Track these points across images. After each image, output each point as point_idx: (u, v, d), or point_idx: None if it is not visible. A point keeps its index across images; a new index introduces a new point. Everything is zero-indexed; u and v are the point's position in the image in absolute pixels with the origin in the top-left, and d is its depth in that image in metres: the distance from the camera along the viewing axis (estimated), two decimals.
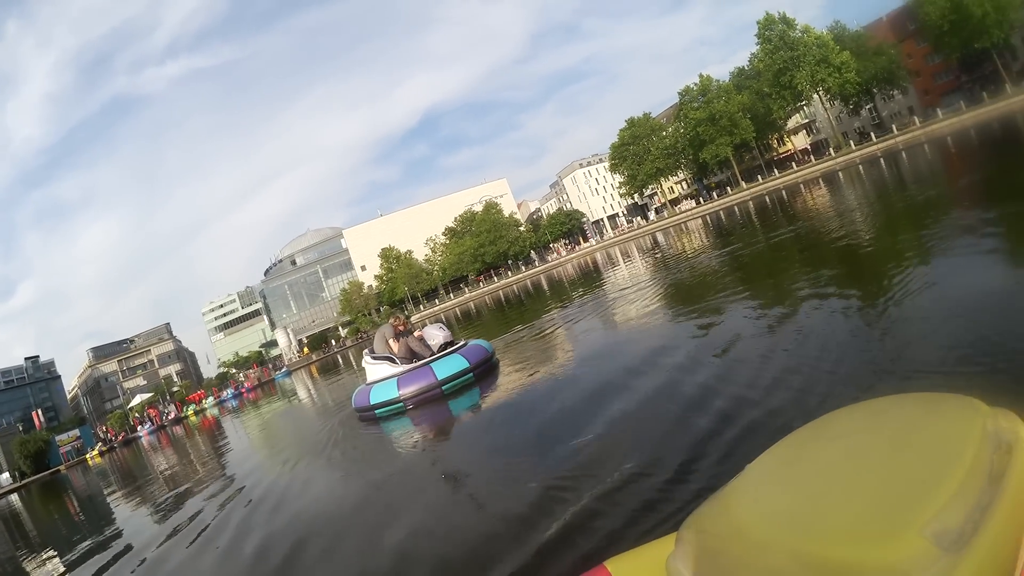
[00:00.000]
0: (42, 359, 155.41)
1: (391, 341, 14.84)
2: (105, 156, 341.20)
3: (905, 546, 1.07)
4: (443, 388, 13.13)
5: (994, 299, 6.64)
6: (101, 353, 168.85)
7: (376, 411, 13.51)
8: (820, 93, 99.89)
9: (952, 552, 1.06)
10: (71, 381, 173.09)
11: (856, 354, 6.54)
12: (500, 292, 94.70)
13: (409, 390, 13.15)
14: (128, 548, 10.30)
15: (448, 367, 13.40)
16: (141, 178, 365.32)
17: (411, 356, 14.47)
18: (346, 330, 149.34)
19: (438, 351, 14.30)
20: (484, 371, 13.91)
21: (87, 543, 12.51)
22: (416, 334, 15.04)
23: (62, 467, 73.53)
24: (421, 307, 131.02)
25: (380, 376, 14.15)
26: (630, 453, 5.96)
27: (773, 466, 1.60)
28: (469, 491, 6.97)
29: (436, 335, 14.85)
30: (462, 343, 14.70)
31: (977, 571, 1.04)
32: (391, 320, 15.40)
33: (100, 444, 78.25)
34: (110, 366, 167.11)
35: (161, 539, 9.86)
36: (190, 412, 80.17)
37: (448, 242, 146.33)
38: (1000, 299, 6.61)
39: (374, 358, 14.94)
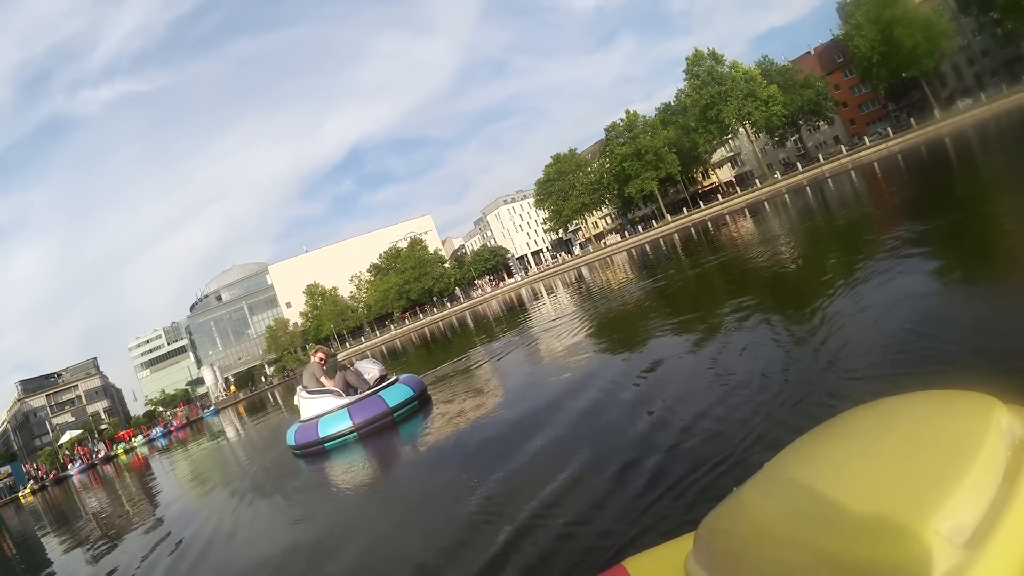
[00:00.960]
0: None
1: (324, 378, 14.32)
2: (35, 180, 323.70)
3: (921, 543, 1.07)
4: (395, 416, 13.10)
5: (917, 312, 7.08)
6: (30, 387, 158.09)
7: (326, 444, 12.96)
8: (746, 126, 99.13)
9: (968, 549, 1.06)
10: None
11: (779, 379, 6.64)
12: (426, 329, 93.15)
13: (362, 419, 12.93)
14: None
15: (396, 396, 13.44)
16: (71, 205, 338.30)
17: (348, 390, 14.09)
18: (272, 368, 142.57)
19: (374, 384, 14.13)
20: (423, 401, 14.02)
21: None
22: (351, 368, 14.75)
23: None
24: (347, 344, 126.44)
25: (324, 409, 13.59)
26: (556, 477, 6.09)
27: (790, 465, 1.58)
28: (423, 517, 6.87)
29: (371, 369, 14.69)
30: (395, 378, 14.50)
31: (994, 567, 1.04)
32: (313, 352, 14.99)
33: (32, 482, 70.02)
34: (39, 400, 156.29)
35: None
36: (120, 451, 75.90)
37: (373, 279, 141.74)
38: (920, 311, 7.10)
39: (311, 392, 14.31)
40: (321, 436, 12.96)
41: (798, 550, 1.21)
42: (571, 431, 7.59)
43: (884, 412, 1.62)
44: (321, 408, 13.63)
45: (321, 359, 14.54)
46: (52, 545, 17.91)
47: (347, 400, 13.47)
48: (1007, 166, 22.80)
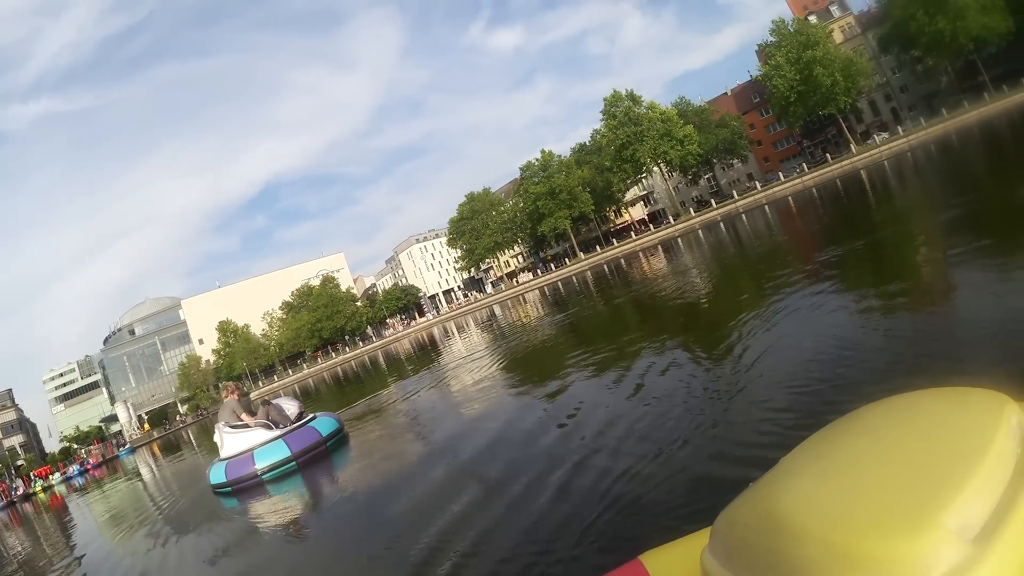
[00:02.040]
0: None
1: (244, 415, 13.67)
2: None
3: (930, 538, 1.08)
4: (327, 444, 12.88)
5: (826, 334, 7.45)
6: None
7: (264, 475, 12.18)
8: (661, 165, 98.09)
9: (977, 544, 1.07)
10: None
11: (681, 405, 6.92)
12: (338, 368, 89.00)
13: (300, 448, 12.46)
14: None
15: (327, 426, 13.31)
16: None
17: (270, 426, 13.61)
18: (186, 407, 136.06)
19: (294, 421, 13.80)
20: (344, 437, 13.80)
21: None
22: (273, 404, 14.20)
23: None
24: (260, 383, 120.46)
25: (257, 441, 12.95)
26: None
27: (805, 460, 1.59)
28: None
29: (291, 406, 14.29)
30: (312, 416, 14.11)
31: (1002, 564, 1.05)
32: (226, 390, 14.51)
33: None
34: None
35: None
36: (39, 488, 70.00)
37: (285, 317, 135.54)
38: (829, 334, 7.44)
39: (235, 427, 13.63)
40: (258, 468, 12.27)
41: (812, 544, 1.22)
42: (483, 460, 7.90)
43: (897, 409, 1.62)
44: (252, 441, 13.07)
45: (236, 397, 13.99)
46: None
47: (281, 431, 13.00)
48: (917, 193, 25.37)
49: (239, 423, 13.50)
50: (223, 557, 8.56)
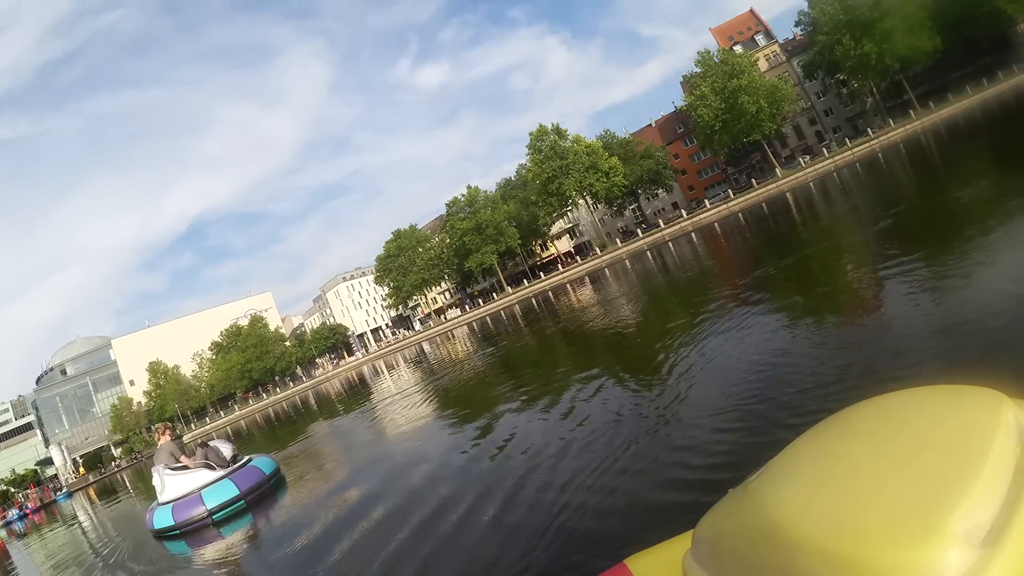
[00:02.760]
0: None
1: (183, 457, 13.21)
2: None
3: (939, 545, 1.04)
4: (271, 482, 12.69)
5: (754, 351, 7.78)
6: None
7: (215, 515, 11.75)
8: (587, 198, 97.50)
9: (986, 548, 1.04)
10: None
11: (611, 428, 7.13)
12: (270, 409, 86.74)
13: (248, 486, 12.15)
14: None
15: (267, 466, 13.12)
16: None
17: (212, 466, 13.22)
18: (120, 450, 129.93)
19: (231, 462, 13.36)
20: (280, 477, 13.52)
21: None
22: (211, 445, 13.80)
23: None
24: (192, 425, 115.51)
25: (202, 482, 12.45)
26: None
27: (796, 463, 1.55)
28: None
29: (225, 448, 13.72)
30: (248, 458, 13.68)
31: (1011, 565, 1.02)
32: (160, 432, 14.01)
33: None
34: None
35: None
36: None
37: (215, 357, 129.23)
38: (758, 350, 7.79)
39: (175, 469, 13.06)
40: (208, 507, 11.77)
41: (810, 554, 1.18)
42: (418, 493, 7.99)
43: (890, 408, 1.58)
44: (198, 482, 12.53)
45: (170, 438, 13.62)
46: None
47: (227, 471, 12.59)
48: (842, 210, 26.20)
49: (179, 465, 13.05)
50: None
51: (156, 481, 13.15)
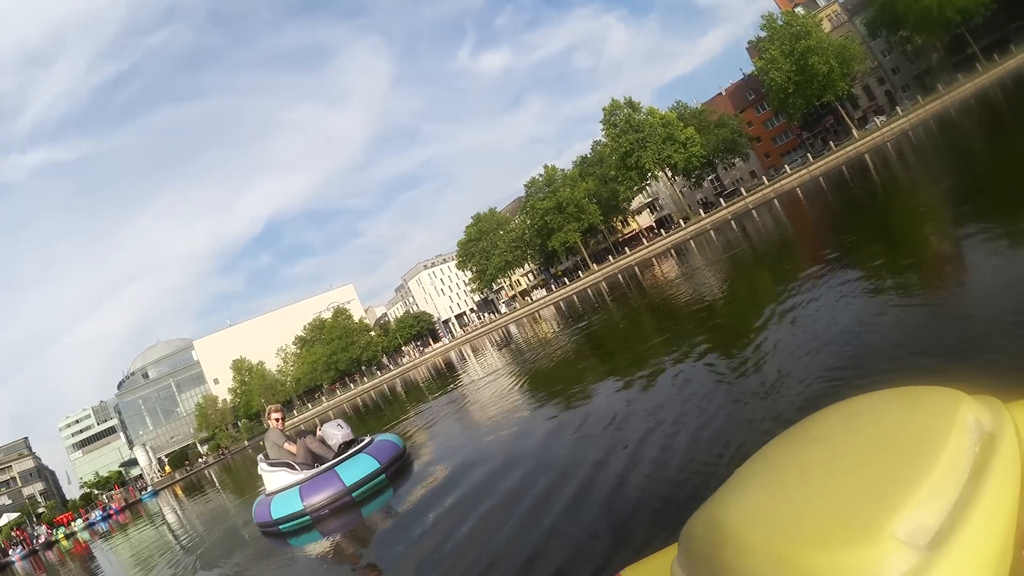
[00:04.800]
0: None
1: (287, 444, 12.07)
2: None
3: (876, 547, 1.05)
4: (353, 495, 10.77)
5: (847, 334, 7.01)
6: None
7: (279, 526, 10.73)
8: (665, 170, 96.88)
9: (928, 551, 1.04)
10: None
11: (724, 413, 6.52)
12: (358, 399, 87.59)
13: (315, 500, 10.63)
14: None
15: (357, 470, 11.07)
16: None
17: (312, 459, 11.94)
18: (206, 446, 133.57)
19: (339, 451, 11.88)
20: (397, 470, 11.61)
21: None
22: (317, 433, 12.44)
23: None
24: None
25: (280, 485, 11.46)
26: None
27: (758, 470, 1.60)
28: None
29: (335, 434, 12.20)
30: (367, 439, 12.32)
31: (959, 568, 1.02)
32: (268, 411, 12.67)
33: None
34: None
35: None
36: (61, 536, 68.56)
37: (299, 351, 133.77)
38: (851, 323, 7.34)
39: (271, 464, 12.11)
40: (273, 518, 10.88)
41: (760, 555, 1.21)
42: (531, 468, 7.61)
43: (849, 413, 1.62)
44: (276, 483, 11.71)
45: (278, 419, 12.50)
46: None
47: (299, 476, 11.33)
48: (924, 171, 24.84)
49: (277, 458, 12.30)
50: None
51: (261, 472, 12.59)
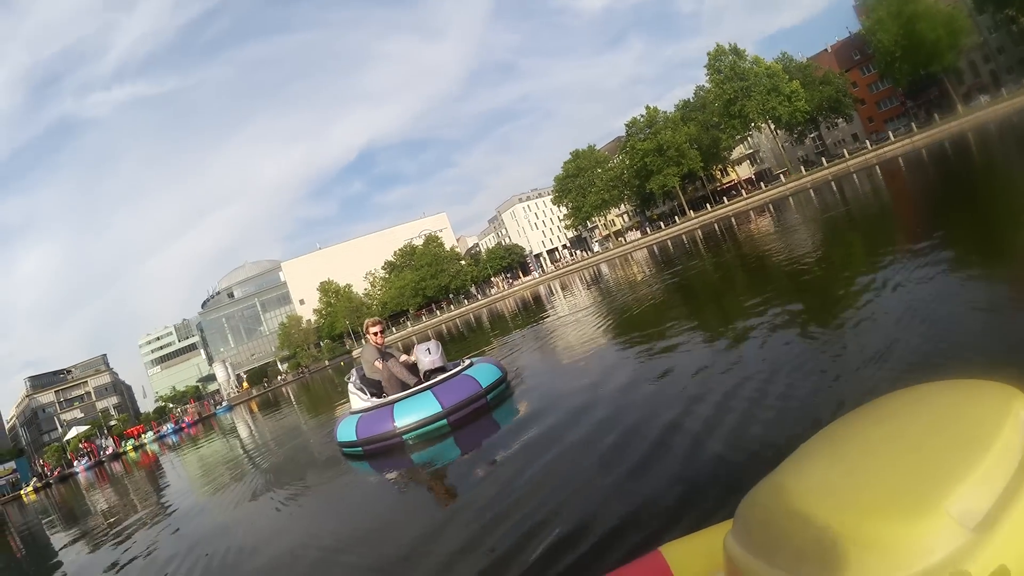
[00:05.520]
0: None
1: (377, 362, 11.21)
2: (46, 181, 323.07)
3: (930, 522, 1.11)
4: (488, 397, 10.02)
5: (947, 306, 6.73)
6: (38, 383, 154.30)
7: (404, 435, 9.69)
8: (769, 123, 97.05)
9: (977, 532, 1.09)
10: (8, 411, 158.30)
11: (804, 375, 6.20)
12: (443, 326, 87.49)
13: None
14: None
15: (486, 375, 10.34)
16: (81, 205, 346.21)
17: (396, 384, 10.99)
18: (286, 365, 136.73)
19: (426, 378, 10.75)
20: (506, 388, 10.77)
21: None
22: (403, 358, 11.33)
23: None
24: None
25: (355, 407, 11.03)
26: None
27: (821, 447, 1.62)
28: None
29: (421, 359, 10.94)
30: (466, 363, 10.91)
31: (1000, 553, 1.07)
32: (366, 325, 11.62)
33: (35, 480, 69.07)
34: (47, 397, 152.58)
35: None
36: (129, 447, 72.88)
37: (388, 276, 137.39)
38: (951, 305, 6.77)
39: (355, 383, 11.47)
40: (399, 425, 9.84)
41: (824, 526, 1.25)
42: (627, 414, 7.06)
43: (910, 399, 1.65)
44: (354, 404, 11.32)
45: (376, 334, 11.48)
46: (51, 545, 17.10)
47: (363, 405, 10.91)
48: None
49: (358, 381, 11.59)
50: (326, 514, 8.14)
51: (350, 389, 11.85)
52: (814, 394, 5.45)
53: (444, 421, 9.58)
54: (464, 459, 8.33)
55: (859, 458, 1.44)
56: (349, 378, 11.99)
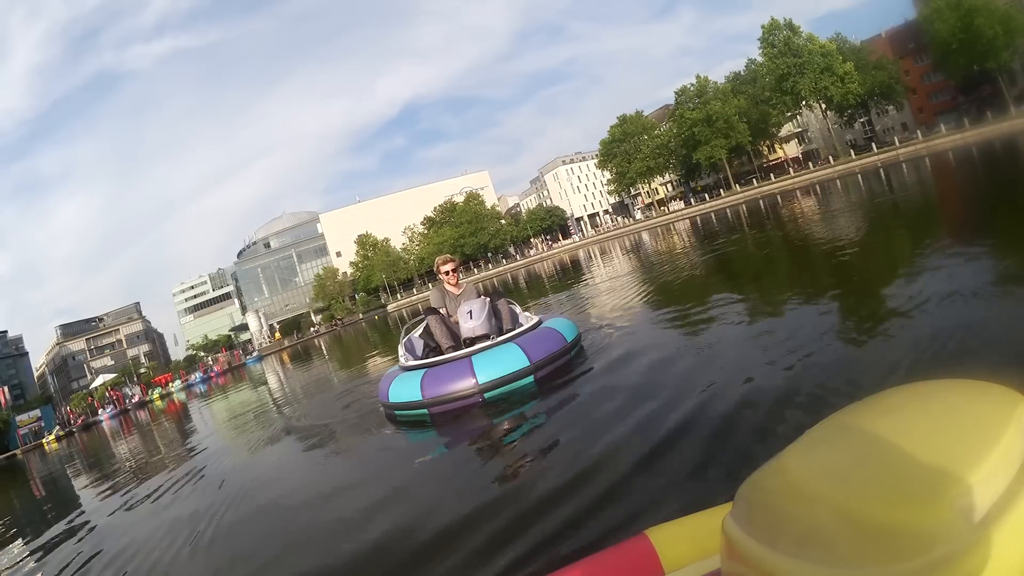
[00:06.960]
0: (10, 335, 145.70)
1: (444, 309, 10.20)
2: (85, 132, 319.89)
3: (935, 513, 1.10)
4: (571, 353, 9.44)
5: (977, 301, 6.71)
6: (69, 331, 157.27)
7: (485, 393, 8.40)
8: (820, 102, 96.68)
9: (978, 528, 1.08)
10: (39, 359, 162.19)
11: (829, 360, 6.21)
12: (480, 284, 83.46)
13: (540, 357, 8.75)
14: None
15: (568, 330, 9.70)
16: (119, 156, 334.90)
17: (452, 340, 9.76)
18: (320, 316, 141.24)
19: (465, 346, 9.52)
20: (581, 348, 10.05)
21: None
22: (500, 299, 10.39)
23: (18, 451, 63.17)
24: (399, 296, 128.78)
25: (470, 349, 9.11)
26: None
27: (828, 434, 1.55)
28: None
29: (464, 324, 9.64)
30: (538, 319, 9.98)
31: (999, 550, 1.06)
32: (437, 264, 10.74)
33: (58, 428, 69.49)
34: (78, 344, 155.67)
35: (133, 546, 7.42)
36: (156, 396, 73.59)
37: (427, 232, 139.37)
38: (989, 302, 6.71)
39: (407, 336, 10.97)
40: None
41: (828, 509, 1.23)
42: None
43: (917, 395, 1.60)
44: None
45: (448, 272, 10.33)
46: (64, 493, 17.75)
47: (512, 334, 9.23)
48: None
49: (416, 332, 10.79)
50: (348, 468, 8.03)
51: (406, 338, 10.81)
52: (845, 387, 5.15)
53: (531, 378, 8.59)
54: (553, 422, 7.25)
55: (865, 447, 1.43)
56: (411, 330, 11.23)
